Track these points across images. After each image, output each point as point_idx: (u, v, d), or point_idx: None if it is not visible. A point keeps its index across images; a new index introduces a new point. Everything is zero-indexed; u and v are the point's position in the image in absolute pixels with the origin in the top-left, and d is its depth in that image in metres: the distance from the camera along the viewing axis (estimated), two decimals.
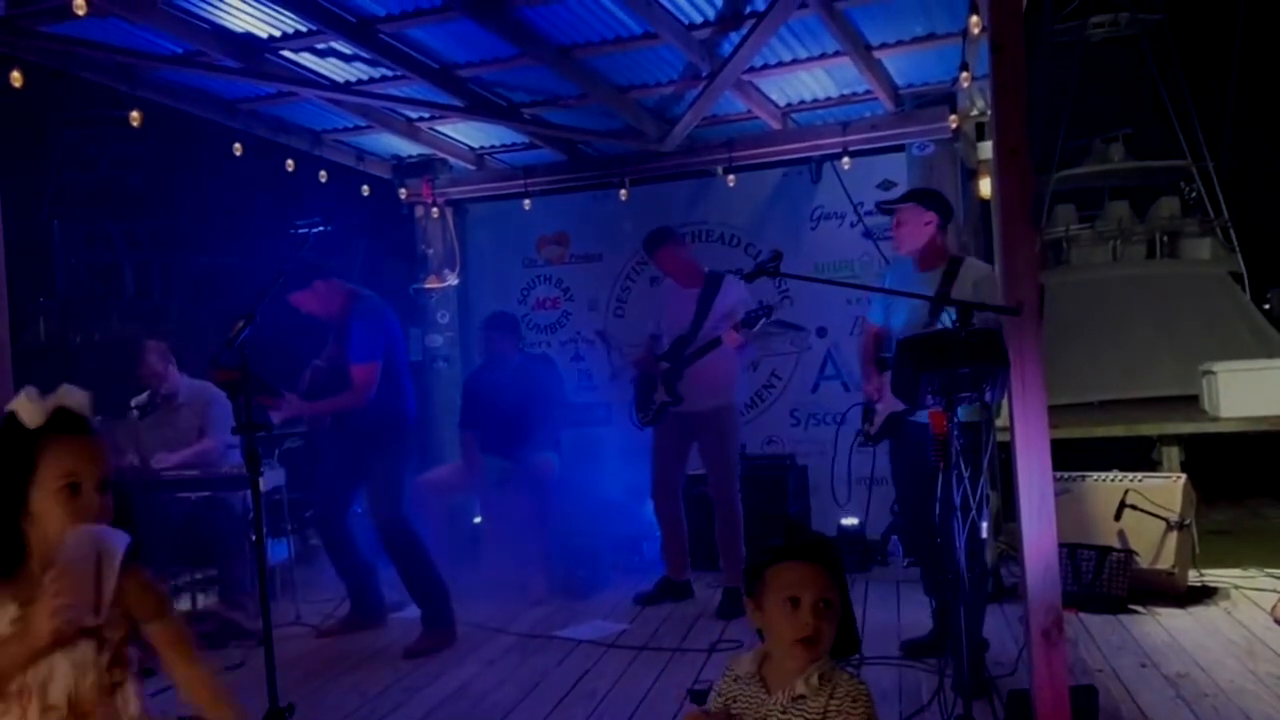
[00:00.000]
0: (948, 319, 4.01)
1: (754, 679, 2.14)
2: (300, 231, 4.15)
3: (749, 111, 6.46)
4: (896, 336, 4.44)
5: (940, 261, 4.36)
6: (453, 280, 7.74)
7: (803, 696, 2.05)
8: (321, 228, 4.20)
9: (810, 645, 2.05)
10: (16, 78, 4.85)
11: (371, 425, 4.99)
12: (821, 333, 7.01)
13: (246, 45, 5.25)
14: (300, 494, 6.64)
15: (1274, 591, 5.18)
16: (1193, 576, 5.44)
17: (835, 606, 2.07)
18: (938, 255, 4.38)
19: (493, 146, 7.42)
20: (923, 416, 4.11)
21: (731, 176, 6.91)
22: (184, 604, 6.09)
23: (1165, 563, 5.20)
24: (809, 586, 2.06)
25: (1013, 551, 5.57)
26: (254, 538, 4.01)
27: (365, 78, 5.86)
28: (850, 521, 6.36)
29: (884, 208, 4.64)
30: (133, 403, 5.88)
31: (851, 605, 2.14)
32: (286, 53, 5.43)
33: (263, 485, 3.96)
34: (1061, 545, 4.78)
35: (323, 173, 6.80)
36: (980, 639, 4.17)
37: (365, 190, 7.49)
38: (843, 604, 2.10)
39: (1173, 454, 9.33)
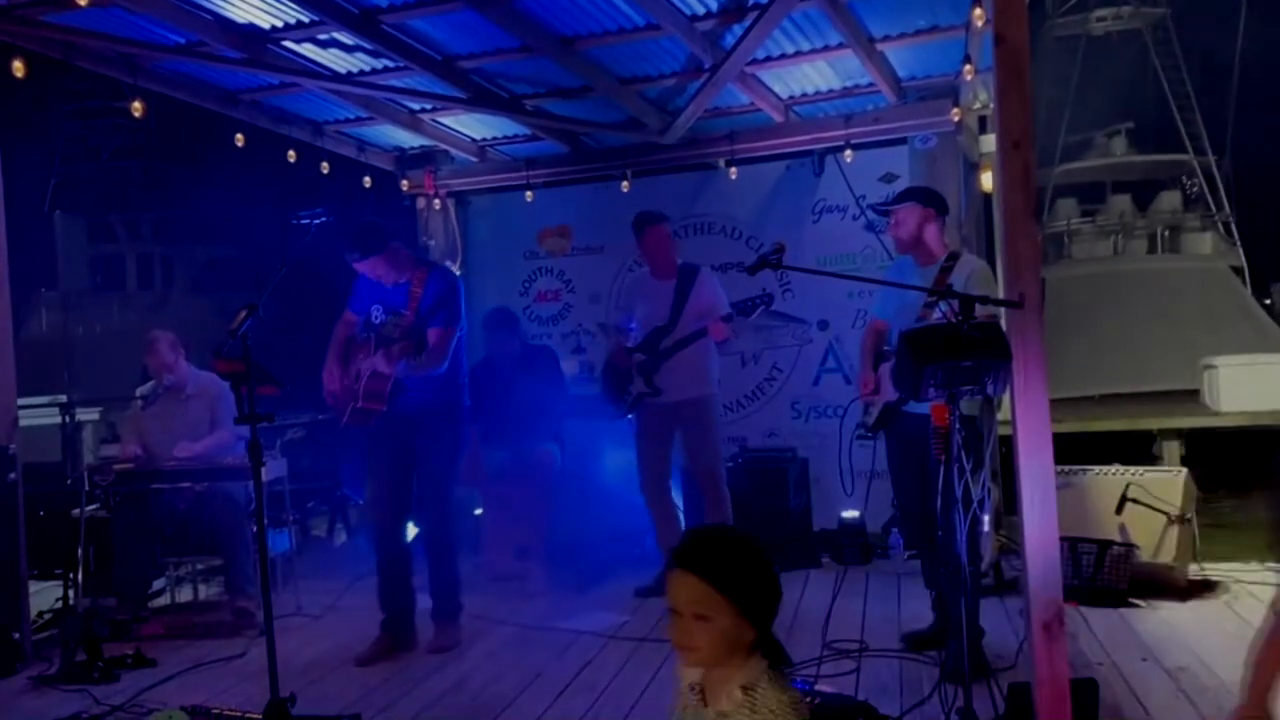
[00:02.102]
0: (940, 315, 4.02)
1: (695, 690, 2.08)
2: (302, 222, 4.12)
3: (751, 104, 6.45)
4: (891, 331, 4.45)
5: (937, 257, 4.37)
6: (455, 272, 7.73)
7: (726, 713, 1.97)
8: (323, 219, 4.18)
9: (685, 654, 2.00)
10: (19, 67, 4.85)
11: (434, 406, 4.79)
12: (823, 325, 7.00)
13: (248, 35, 5.24)
14: (302, 484, 6.66)
15: (1275, 585, 5.19)
16: (1193, 570, 5.44)
17: (712, 620, 1.95)
18: (935, 251, 4.39)
19: (495, 138, 7.42)
20: (915, 407, 4.13)
21: (734, 169, 6.90)
22: (186, 595, 6.12)
23: (1166, 556, 5.20)
24: (683, 597, 1.98)
25: (1014, 545, 5.59)
26: (256, 528, 4.03)
27: (367, 69, 5.85)
28: (851, 514, 6.36)
29: (880, 209, 4.64)
30: (137, 392, 5.89)
31: (761, 614, 1.98)
32: (288, 43, 5.43)
33: (265, 475, 3.97)
34: (1062, 539, 4.78)
35: (324, 164, 6.80)
36: (978, 627, 4.17)
37: (367, 182, 7.49)
38: (747, 615, 1.96)
39: (1173, 448, 9.35)
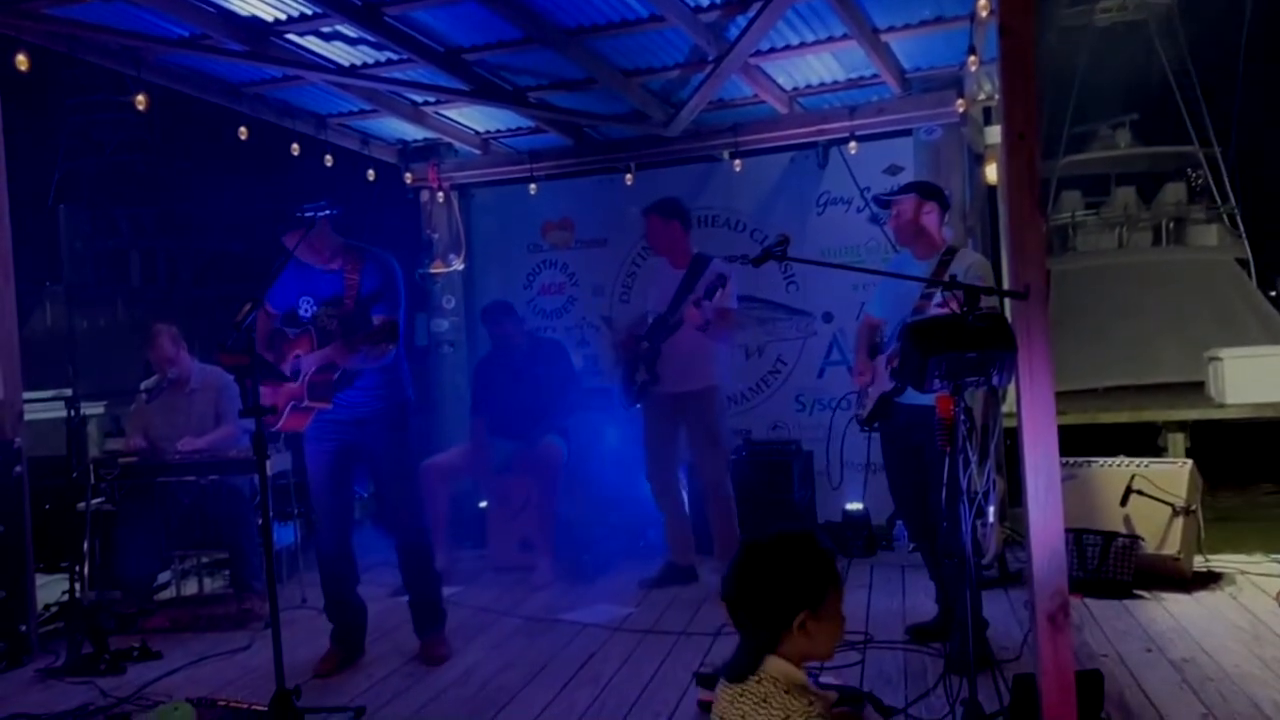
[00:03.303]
0: (935, 308, 4.02)
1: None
2: (305, 215, 4.12)
3: (755, 95, 6.44)
4: (888, 325, 4.45)
5: (936, 250, 4.38)
6: (458, 265, 7.74)
7: None
8: (327, 211, 4.17)
9: None
10: (22, 61, 4.85)
11: (381, 409, 4.50)
12: (827, 318, 7.00)
13: (252, 28, 5.24)
14: (306, 478, 6.66)
15: (1279, 577, 5.19)
16: (1198, 562, 5.44)
17: None
18: (934, 245, 4.40)
19: (498, 131, 7.41)
20: (909, 398, 4.13)
21: (738, 161, 6.90)
22: (191, 588, 6.13)
23: (1171, 548, 5.20)
24: None
25: (1018, 536, 5.58)
26: (261, 521, 4.03)
27: (370, 61, 5.85)
28: (855, 507, 6.37)
29: (882, 200, 4.63)
30: (141, 386, 5.89)
31: None
32: (292, 36, 5.42)
33: (269, 469, 3.96)
34: (1067, 530, 4.77)
35: (328, 157, 6.81)
36: (982, 619, 4.17)
37: (371, 175, 7.49)
38: None
39: (1178, 440, 9.34)
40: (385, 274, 4.47)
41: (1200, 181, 19.32)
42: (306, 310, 4.46)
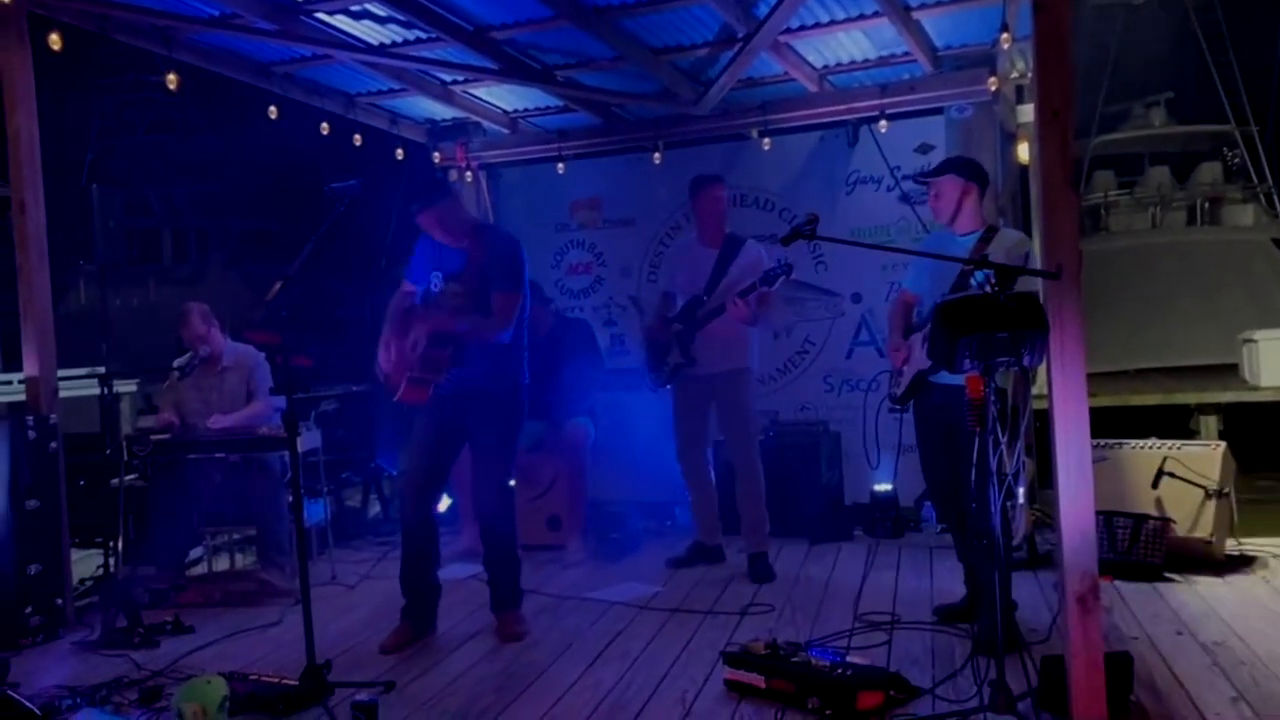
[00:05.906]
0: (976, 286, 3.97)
1: None
2: (335, 191, 4.12)
3: (785, 73, 6.40)
4: (923, 303, 4.41)
5: (975, 230, 4.33)
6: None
7: None
8: (356, 189, 4.17)
9: None
10: (55, 40, 4.88)
11: (493, 387, 4.52)
12: (856, 298, 6.96)
13: (281, 7, 5.26)
14: (335, 455, 6.71)
15: None
16: (1231, 545, 5.39)
17: None
18: (975, 223, 4.35)
19: (526, 110, 7.40)
20: (942, 377, 4.10)
21: (767, 140, 6.86)
22: (223, 563, 6.20)
23: (1203, 531, 5.15)
24: None
25: (1048, 519, 5.55)
26: (291, 498, 4.06)
27: (399, 40, 5.85)
28: (883, 488, 6.35)
29: (920, 180, 4.58)
30: (174, 364, 5.94)
31: None
32: (321, 15, 5.43)
33: (300, 446, 3.99)
34: (1098, 513, 4.74)
35: (357, 136, 6.82)
36: (1011, 601, 4.15)
37: (399, 154, 7.50)
38: None
39: (1211, 422, 9.25)
40: (507, 251, 4.54)
41: (1236, 161, 19.03)
42: (436, 285, 4.57)
